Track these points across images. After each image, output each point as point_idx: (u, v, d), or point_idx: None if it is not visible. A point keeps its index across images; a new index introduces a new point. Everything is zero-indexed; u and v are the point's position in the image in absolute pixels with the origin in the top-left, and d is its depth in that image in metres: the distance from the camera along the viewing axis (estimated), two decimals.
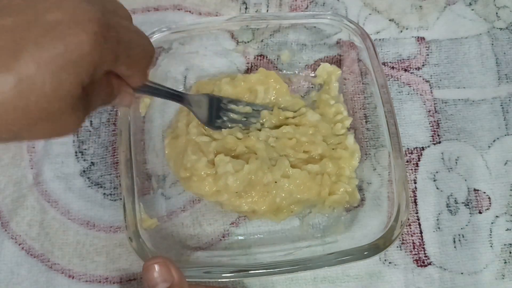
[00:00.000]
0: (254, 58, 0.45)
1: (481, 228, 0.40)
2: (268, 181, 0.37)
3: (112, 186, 0.41)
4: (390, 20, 0.46)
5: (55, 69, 0.20)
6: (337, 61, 0.44)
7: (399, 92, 0.44)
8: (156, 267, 0.30)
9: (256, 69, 0.43)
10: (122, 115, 0.37)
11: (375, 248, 0.34)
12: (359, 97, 0.42)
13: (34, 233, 0.40)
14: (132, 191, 0.36)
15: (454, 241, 0.39)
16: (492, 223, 0.40)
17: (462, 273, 0.38)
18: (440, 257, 0.39)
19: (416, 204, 0.40)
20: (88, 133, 0.43)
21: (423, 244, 0.39)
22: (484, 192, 0.41)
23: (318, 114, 0.41)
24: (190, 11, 0.46)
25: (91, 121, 0.43)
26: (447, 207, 0.40)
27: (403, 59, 0.45)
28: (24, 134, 0.21)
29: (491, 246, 0.39)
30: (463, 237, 0.39)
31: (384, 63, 0.44)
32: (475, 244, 0.39)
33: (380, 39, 0.45)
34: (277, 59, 0.44)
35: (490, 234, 0.39)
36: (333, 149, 0.40)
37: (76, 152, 0.42)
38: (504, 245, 0.39)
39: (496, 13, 0.46)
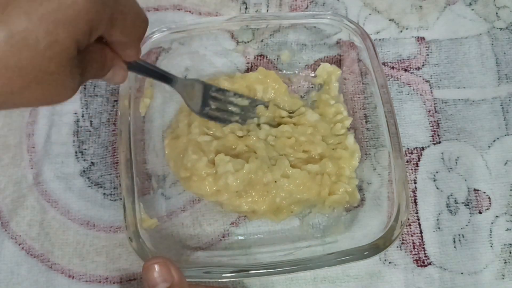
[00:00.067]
0: (254, 58, 0.45)
1: (481, 228, 0.40)
2: (268, 181, 0.37)
3: (112, 186, 0.41)
4: (390, 20, 0.46)
5: (49, 24, 0.19)
6: (337, 61, 0.44)
7: (399, 92, 0.44)
8: (156, 267, 0.30)
9: (256, 69, 0.43)
10: (122, 115, 0.37)
11: (375, 248, 0.34)
12: (359, 97, 0.42)
13: (34, 233, 0.40)
14: (132, 191, 0.36)
15: (454, 241, 0.39)
16: (492, 223, 0.40)
17: (462, 273, 0.38)
18: (440, 257, 0.39)
19: (416, 204, 0.40)
20: (88, 133, 0.43)
21: (423, 244, 0.39)
22: (484, 192, 0.41)
23: (317, 114, 0.41)
24: (190, 11, 0.46)
25: (91, 121, 0.43)
26: (447, 207, 0.40)
27: (403, 59, 0.45)
28: (17, 97, 0.20)
29: (491, 246, 0.39)
30: (463, 237, 0.39)
31: (384, 63, 0.44)
32: (475, 244, 0.39)
33: (380, 39, 0.45)
34: (277, 59, 0.44)
35: (490, 234, 0.39)
36: (333, 149, 0.40)
37: (76, 152, 0.42)
38: (504, 245, 0.39)
39: (496, 13, 0.46)
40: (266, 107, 0.41)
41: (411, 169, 0.41)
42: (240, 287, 0.38)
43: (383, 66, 0.44)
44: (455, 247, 0.39)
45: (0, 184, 0.41)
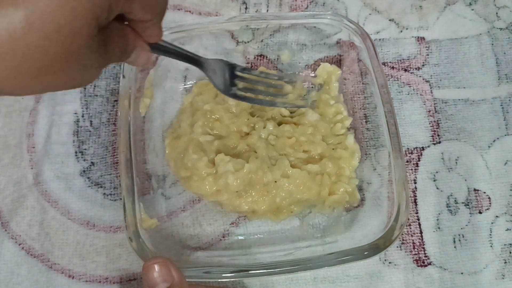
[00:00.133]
0: (254, 58, 0.45)
1: (481, 228, 0.40)
2: (268, 181, 0.37)
3: (112, 186, 0.41)
4: (390, 20, 0.46)
5: (68, 1, 0.18)
6: (337, 61, 0.44)
7: (399, 92, 0.44)
8: (156, 267, 0.30)
9: (256, 69, 0.43)
10: (122, 115, 0.37)
11: (375, 248, 0.34)
12: (359, 97, 0.42)
13: (34, 233, 0.40)
14: (132, 191, 0.36)
15: (454, 241, 0.39)
16: (492, 223, 0.40)
17: (462, 273, 0.38)
18: (440, 257, 0.39)
19: (416, 204, 0.40)
20: (88, 133, 0.43)
21: (423, 244, 0.39)
22: (484, 192, 0.41)
23: (317, 114, 0.41)
24: (190, 11, 0.46)
25: (91, 121, 0.43)
26: (447, 207, 0.40)
27: (403, 59, 0.45)
28: (42, 80, 0.20)
29: (491, 246, 0.39)
30: (463, 237, 0.39)
31: (384, 63, 0.44)
32: (475, 244, 0.39)
33: (380, 39, 0.45)
34: (277, 59, 0.44)
35: (490, 234, 0.39)
36: (333, 149, 0.40)
37: (76, 152, 0.42)
38: (504, 245, 0.39)
39: (496, 13, 0.46)
40: (293, 83, 0.40)
41: (411, 169, 0.41)
42: (240, 287, 0.38)
43: (383, 66, 0.44)
44: (455, 247, 0.39)
45: (0, 184, 0.41)
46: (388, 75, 0.44)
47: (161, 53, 0.31)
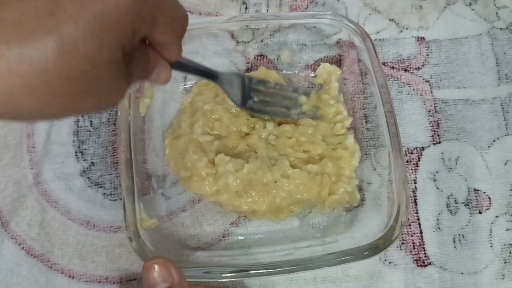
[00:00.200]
0: (254, 58, 0.45)
1: (481, 228, 0.40)
2: (268, 181, 0.37)
3: (112, 186, 0.41)
4: (390, 20, 0.46)
5: (96, 29, 0.19)
6: (337, 61, 0.44)
7: (399, 92, 0.44)
8: (156, 267, 0.30)
9: (256, 69, 0.43)
10: (122, 115, 0.37)
11: (375, 248, 0.34)
12: (359, 97, 0.42)
13: (34, 233, 0.40)
14: (132, 191, 0.36)
15: (454, 241, 0.39)
16: (492, 223, 0.40)
17: (462, 273, 0.38)
18: (440, 257, 0.39)
19: (416, 204, 0.40)
20: (88, 133, 0.43)
21: (423, 244, 0.39)
22: (484, 192, 0.41)
23: (326, 123, 0.41)
24: (190, 11, 0.46)
25: (91, 121, 0.43)
26: (447, 207, 0.40)
27: (403, 59, 0.45)
28: (69, 106, 0.20)
29: (491, 246, 0.39)
30: (463, 237, 0.39)
31: (384, 63, 0.44)
32: (475, 244, 0.39)
33: (380, 39, 0.45)
34: (277, 59, 0.44)
35: (490, 234, 0.39)
36: (333, 149, 0.40)
37: (76, 152, 0.42)
38: (504, 245, 0.39)
39: (496, 13, 0.46)
40: (308, 95, 0.41)
41: (411, 169, 0.41)
42: (240, 287, 0.38)
43: (383, 66, 0.44)
44: (455, 247, 0.39)
45: (0, 184, 0.41)
46: (388, 75, 0.44)
47: (180, 69, 0.32)
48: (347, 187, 0.39)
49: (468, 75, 0.44)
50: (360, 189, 0.40)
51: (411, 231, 0.40)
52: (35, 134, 0.42)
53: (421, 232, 0.40)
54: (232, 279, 0.37)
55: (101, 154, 0.42)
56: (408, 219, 0.40)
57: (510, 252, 0.39)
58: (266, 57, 0.45)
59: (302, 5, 0.47)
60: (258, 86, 0.39)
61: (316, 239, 0.39)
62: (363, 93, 0.42)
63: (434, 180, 0.41)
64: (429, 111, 0.43)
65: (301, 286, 0.38)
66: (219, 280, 0.36)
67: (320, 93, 0.43)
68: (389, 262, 0.39)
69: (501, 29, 0.45)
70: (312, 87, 0.44)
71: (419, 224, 0.40)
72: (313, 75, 0.44)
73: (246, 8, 0.46)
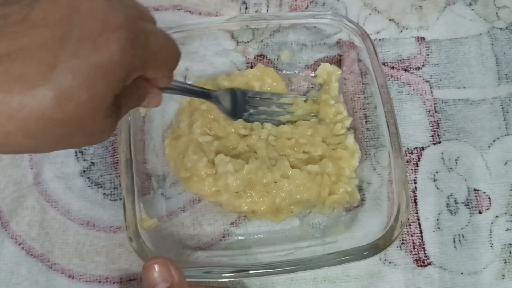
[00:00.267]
0: (254, 58, 0.45)
1: (481, 228, 0.40)
2: (267, 181, 0.37)
3: (112, 186, 0.41)
4: (390, 20, 0.46)
5: (90, 80, 0.20)
6: (337, 61, 0.44)
7: (399, 92, 0.44)
8: (156, 267, 0.30)
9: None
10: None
11: (375, 248, 0.33)
12: (359, 97, 0.42)
13: (34, 233, 0.40)
14: (132, 191, 0.36)
15: (454, 241, 0.39)
16: (492, 223, 0.40)
17: (462, 273, 0.38)
18: (440, 257, 0.39)
19: (416, 204, 0.40)
20: None
21: (423, 244, 0.39)
22: (484, 192, 0.41)
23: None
24: (190, 11, 0.46)
25: None
26: (447, 207, 0.40)
27: (403, 59, 0.45)
28: (61, 144, 0.22)
29: (491, 246, 0.39)
30: (463, 237, 0.39)
31: (384, 63, 0.44)
32: (475, 244, 0.39)
33: (380, 39, 0.45)
34: (277, 59, 0.44)
35: (490, 234, 0.39)
36: (333, 149, 0.40)
37: (76, 152, 0.42)
38: (504, 245, 0.39)
39: (496, 13, 0.46)
40: (305, 101, 0.42)
41: (411, 169, 0.41)
42: (240, 287, 0.38)
43: (383, 66, 0.44)
44: (455, 247, 0.39)
45: (0, 184, 0.41)
46: (388, 75, 0.44)
47: (171, 92, 0.33)
48: (347, 187, 0.39)
49: (468, 75, 0.44)
50: (360, 189, 0.40)
51: (411, 231, 0.40)
52: None
53: (421, 232, 0.40)
54: (232, 279, 0.37)
55: (101, 154, 0.42)
56: (408, 219, 0.40)
57: (510, 252, 0.39)
58: (266, 57, 0.45)
59: (302, 5, 0.47)
60: (253, 98, 0.41)
61: (316, 239, 0.39)
62: (363, 93, 0.42)
63: (434, 180, 0.41)
64: (429, 111, 0.43)
65: (301, 286, 0.38)
66: (219, 280, 0.36)
67: (320, 93, 0.43)
68: (389, 262, 0.39)
69: (501, 29, 0.45)
70: (313, 87, 0.44)
71: (419, 224, 0.40)
72: (313, 75, 0.44)
73: (246, 8, 0.46)
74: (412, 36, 0.45)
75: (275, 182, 0.37)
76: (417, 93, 0.44)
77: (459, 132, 0.42)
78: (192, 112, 0.41)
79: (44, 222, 0.40)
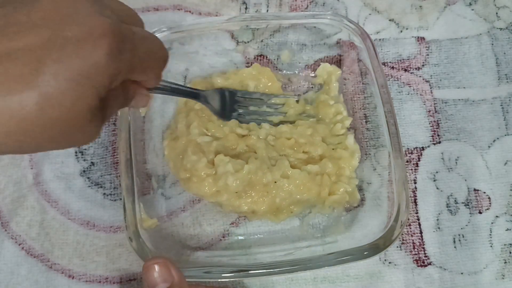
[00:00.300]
0: (254, 58, 0.45)
1: (481, 228, 0.40)
2: (267, 181, 0.37)
3: (112, 186, 0.41)
4: (390, 20, 0.46)
5: (74, 84, 0.20)
6: (337, 61, 0.44)
7: (399, 92, 0.44)
8: (156, 267, 0.30)
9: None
10: (122, 115, 0.37)
11: (375, 248, 0.33)
12: (359, 97, 0.42)
13: (34, 233, 0.40)
14: (132, 191, 0.36)
15: (454, 241, 0.39)
16: (492, 223, 0.40)
17: (462, 273, 0.38)
18: (440, 257, 0.39)
19: (416, 204, 0.40)
20: None
21: (423, 244, 0.39)
22: (484, 192, 0.41)
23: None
24: (190, 11, 0.46)
25: None
26: (447, 207, 0.40)
27: (403, 59, 0.45)
28: (44, 147, 0.22)
29: (491, 246, 0.39)
30: (463, 237, 0.39)
31: (384, 63, 0.44)
32: (475, 244, 0.39)
33: (380, 39, 0.45)
34: (277, 59, 0.44)
35: (490, 234, 0.39)
36: (333, 149, 0.40)
37: (76, 152, 0.42)
38: (504, 245, 0.39)
39: (496, 13, 0.46)
40: (297, 101, 0.42)
41: (411, 169, 0.41)
42: (240, 287, 0.38)
43: (383, 66, 0.44)
44: (455, 247, 0.39)
45: (0, 184, 0.41)
46: (388, 75, 0.44)
47: (159, 92, 0.33)
48: (347, 187, 0.39)
49: (468, 75, 0.44)
50: (360, 189, 0.40)
51: (411, 231, 0.40)
52: None
53: (421, 232, 0.40)
54: (232, 279, 0.37)
55: (101, 154, 0.42)
56: (408, 219, 0.40)
57: (510, 252, 0.39)
58: (266, 57, 0.45)
59: (302, 5, 0.47)
60: (242, 98, 0.41)
61: (316, 239, 0.39)
62: (363, 93, 0.42)
63: (434, 180, 0.41)
64: (429, 111, 0.43)
65: (301, 286, 0.38)
66: (219, 280, 0.36)
67: (320, 93, 0.43)
68: (389, 262, 0.39)
69: (501, 29, 0.45)
70: (313, 87, 0.44)
71: (419, 224, 0.40)
72: (313, 75, 0.44)
73: (246, 8, 0.46)
74: (412, 36, 0.45)
75: (275, 182, 0.37)
76: (417, 93, 0.44)
77: (459, 132, 0.42)
78: (188, 112, 0.41)
79: (44, 222, 0.40)
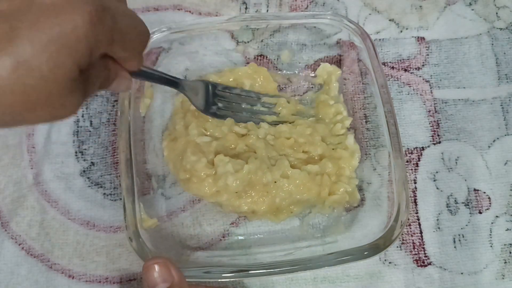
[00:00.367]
0: (254, 58, 0.45)
1: (481, 228, 0.40)
2: (267, 181, 0.37)
3: (112, 186, 0.41)
4: (390, 20, 0.46)
5: (51, 51, 0.20)
6: (337, 61, 0.44)
7: (399, 92, 0.44)
8: (156, 267, 0.30)
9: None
10: (122, 115, 0.37)
11: (375, 248, 0.34)
12: (359, 97, 0.42)
13: (34, 233, 0.40)
14: (132, 191, 0.36)
15: (454, 241, 0.39)
16: (492, 223, 0.40)
17: (462, 273, 0.38)
18: (440, 257, 0.39)
19: (416, 204, 0.40)
20: (88, 133, 0.43)
21: (423, 244, 0.39)
22: (484, 192, 0.41)
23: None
24: (190, 11, 0.46)
25: (91, 121, 0.43)
26: (447, 207, 0.40)
27: (403, 59, 0.45)
28: (23, 117, 0.21)
29: (491, 246, 0.39)
30: (463, 237, 0.39)
31: (384, 63, 0.44)
32: (475, 244, 0.39)
33: (380, 39, 0.45)
34: (277, 59, 0.44)
35: (490, 234, 0.39)
36: (333, 149, 0.40)
37: (76, 152, 0.42)
38: (504, 245, 0.39)
39: (496, 13, 0.46)
40: (288, 101, 0.42)
41: (411, 169, 0.41)
42: (240, 287, 0.38)
43: (383, 66, 0.44)
44: (455, 247, 0.39)
45: (0, 184, 0.41)
46: (388, 75, 0.44)
47: (141, 78, 0.32)
48: (347, 187, 0.39)
49: (468, 75, 0.44)
50: (360, 189, 0.40)
51: (411, 231, 0.40)
52: (35, 134, 0.42)
53: (421, 232, 0.40)
54: (232, 279, 0.37)
55: (101, 154, 0.42)
56: (408, 219, 0.40)
57: (510, 252, 0.39)
58: (266, 57, 0.45)
59: (302, 5, 0.47)
60: (223, 92, 0.40)
61: (316, 239, 0.39)
62: (363, 93, 0.42)
63: (434, 180, 0.41)
64: (429, 111, 0.43)
65: (301, 286, 0.38)
66: (219, 280, 0.36)
67: (320, 93, 0.43)
68: (389, 262, 0.39)
69: (501, 29, 0.45)
70: (313, 87, 0.44)
71: (419, 224, 0.40)
72: (313, 75, 0.44)
73: (246, 8, 0.46)
74: (412, 36, 0.45)
75: (275, 182, 0.37)
76: (417, 93, 0.44)
77: (459, 132, 0.42)
78: (185, 113, 0.41)
79: (44, 222, 0.40)
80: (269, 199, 0.37)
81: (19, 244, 0.39)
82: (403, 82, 0.44)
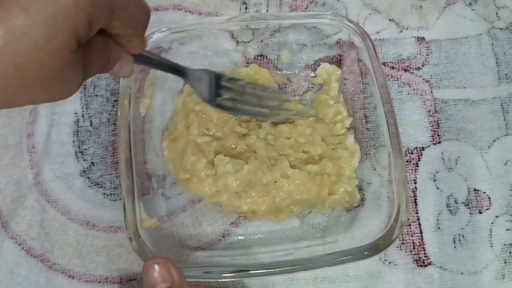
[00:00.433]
0: (254, 58, 0.45)
1: (481, 228, 0.40)
2: (267, 181, 0.37)
3: (112, 186, 0.41)
4: (390, 20, 0.46)
5: (47, 18, 0.19)
6: (337, 61, 0.44)
7: (399, 92, 0.44)
8: (156, 267, 0.30)
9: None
10: (122, 115, 0.37)
11: (375, 248, 0.33)
12: (359, 97, 0.42)
13: (34, 233, 0.40)
14: (132, 191, 0.36)
15: (454, 241, 0.39)
16: (492, 223, 0.40)
17: (462, 273, 0.38)
18: (440, 257, 0.39)
19: (416, 204, 0.40)
20: (88, 133, 0.43)
21: (423, 244, 0.39)
22: (484, 192, 0.41)
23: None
24: (190, 11, 0.46)
25: (91, 121, 0.43)
26: (447, 207, 0.40)
27: (403, 59, 0.45)
28: (20, 95, 0.20)
29: (491, 246, 0.39)
30: (463, 237, 0.39)
31: (384, 63, 0.44)
32: (475, 244, 0.39)
33: (380, 39, 0.45)
34: (277, 59, 0.44)
35: (490, 234, 0.39)
36: (333, 149, 0.40)
37: (76, 152, 0.42)
38: (504, 245, 0.39)
39: (496, 13, 0.46)
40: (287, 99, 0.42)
41: (411, 169, 0.41)
42: (240, 287, 0.38)
43: (383, 66, 0.44)
44: (455, 247, 0.39)
45: (0, 184, 0.41)
46: (388, 75, 0.44)
47: (144, 63, 0.31)
48: (347, 187, 0.39)
49: (468, 75, 0.44)
50: (360, 189, 0.40)
51: (411, 231, 0.40)
52: (35, 134, 0.42)
53: (421, 232, 0.40)
54: (232, 279, 0.37)
55: (101, 154, 0.42)
56: (408, 219, 0.40)
57: (510, 252, 0.39)
58: (266, 57, 0.45)
59: (302, 5, 0.47)
60: (228, 83, 0.39)
61: (316, 239, 0.39)
62: (363, 93, 0.42)
63: (434, 180, 0.41)
64: (429, 111, 0.43)
65: (301, 286, 0.38)
66: (219, 280, 0.36)
67: (320, 93, 0.43)
68: (389, 262, 0.39)
69: (501, 29, 0.45)
70: (313, 87, 0.44)
71: (419, 224, 0.40)
72: (313, 75, 0.44)
73: (246, 8, 0.46)
74: (412, 36, 0.45)
75: (275, 182, 0.37)
76: (417, 93, 0.44)
77: (459, 132, 0.42)
78: (187, 113, 0.41)
79: (44, 222, 0.40)
80: (269, 199, 0.37)
81: (19, 244, 0.39)
82: (403, 82, 0.44)
